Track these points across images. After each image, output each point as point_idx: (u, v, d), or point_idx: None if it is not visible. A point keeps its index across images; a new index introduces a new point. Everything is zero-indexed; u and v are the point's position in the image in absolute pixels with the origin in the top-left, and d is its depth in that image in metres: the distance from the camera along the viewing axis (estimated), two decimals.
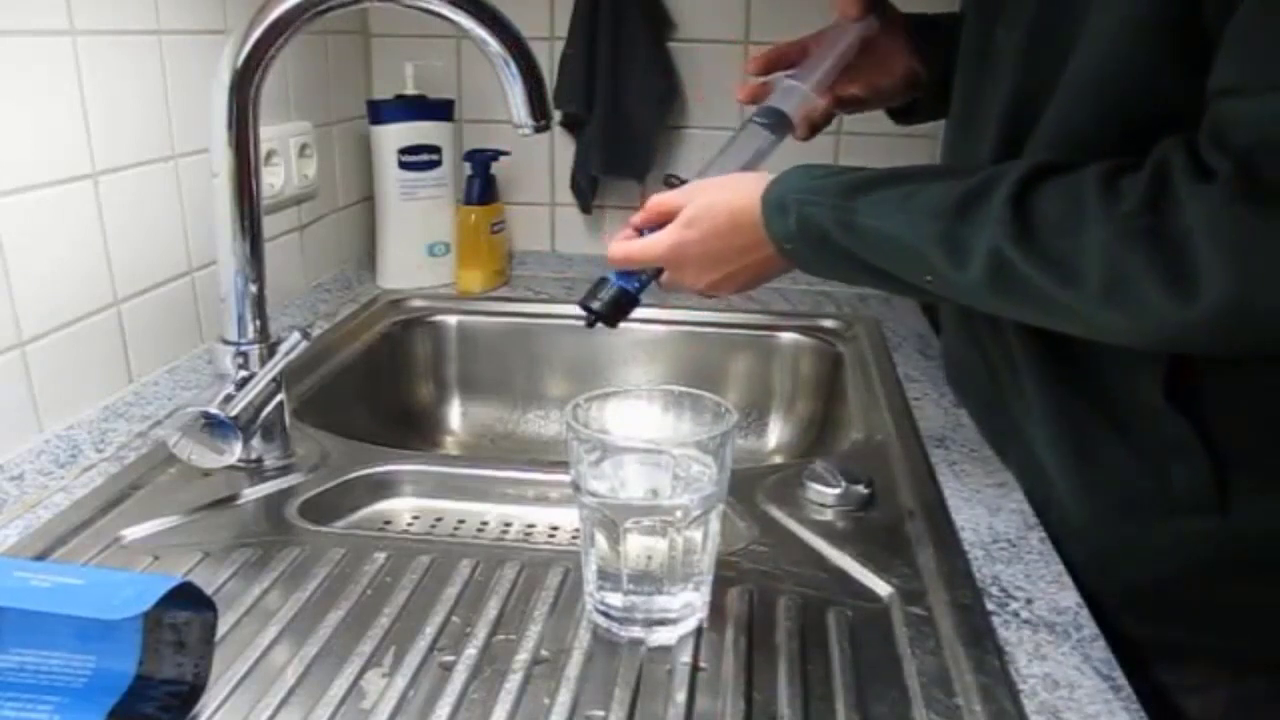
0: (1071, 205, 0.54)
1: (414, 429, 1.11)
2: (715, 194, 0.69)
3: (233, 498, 0.68)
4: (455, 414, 1.15)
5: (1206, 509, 0.59)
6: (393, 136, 1.15)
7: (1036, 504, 0.69)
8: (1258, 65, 0.50)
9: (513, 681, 0.50)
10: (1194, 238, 0.49)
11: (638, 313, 1.11)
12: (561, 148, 1.31)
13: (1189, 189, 0.50)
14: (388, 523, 0.74)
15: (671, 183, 0.74)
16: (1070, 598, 0.57)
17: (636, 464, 0.54)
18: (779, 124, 0.76)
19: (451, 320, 1.15)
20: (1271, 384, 0.58)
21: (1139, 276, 0.51)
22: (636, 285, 0.73)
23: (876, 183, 0.62)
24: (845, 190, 0.63)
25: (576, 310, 1.17)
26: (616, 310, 0.74)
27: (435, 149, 1.17)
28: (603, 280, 0.74)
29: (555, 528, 0.75)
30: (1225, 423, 0.59)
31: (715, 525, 0.54)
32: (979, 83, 0.69)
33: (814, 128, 0.81)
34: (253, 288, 0.70)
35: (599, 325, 0.75)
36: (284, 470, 0.72)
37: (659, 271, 0.73)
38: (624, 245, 0.72)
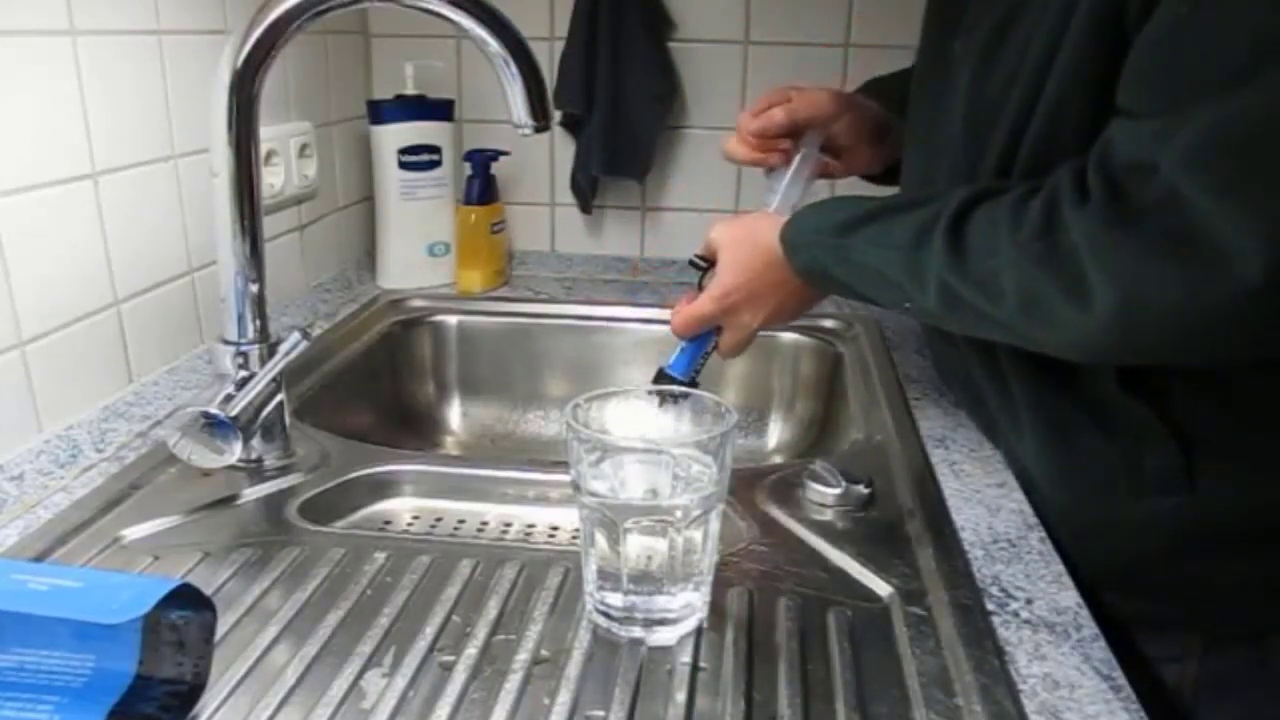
0: (990, 233, 0.60)
1: (414, 429, 1.11)
2: (742, 243, 0.78)
3: (233, 498, 0.68)
4: (455, 414, 1.15)
5: (1175, 489, 0.63)
6: (393, 136, 1.15)
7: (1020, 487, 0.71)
8: (1147, 92, 0.53)
9: (513, 681, 0.50)
10: (1079, 257, 0.54)
11: (638, 313, 1.13)
12: (561, 148, 1.31)
13: (1071, 212, 0.55)
14: (388, 523, 0.74)
15: (696, 263, 0.82)
16: (1070, 598, 0.57)
17: (636, 464, 0.54)
18: None
19: (451, 320, 1.15)
20: (1226, 370, 0.61)
21: (1046, 294, 0.56)
22: (694, 373, 0.83)
23: (863, 219, 0.69)
24: (839, 229, 0.70)
25: (576, 310, 1.18)
26: None
27: (435, 149, 1.17)
28: (660, 373, 0.83)
29: (555, 528, 0.75)
30: (1186, 407, 0.62)
31: (715, 525, 0.54)
32: (938, 100, 0.72)
33: None
34: (253, 288, 0.70)
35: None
36: (284, 470, 0.72)
37: (714, 346, 0.82)
38: (681, 313, 0.81)
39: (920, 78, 0.77)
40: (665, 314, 1.11)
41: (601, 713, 0.48)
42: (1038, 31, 0.60)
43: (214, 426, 0.65)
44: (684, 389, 0.60)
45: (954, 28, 0.70)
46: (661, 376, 0.83)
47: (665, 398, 0.57)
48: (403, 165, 1.16)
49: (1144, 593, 0.66)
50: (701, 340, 0.82)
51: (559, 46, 1.24)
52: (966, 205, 0.61)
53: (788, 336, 1.09)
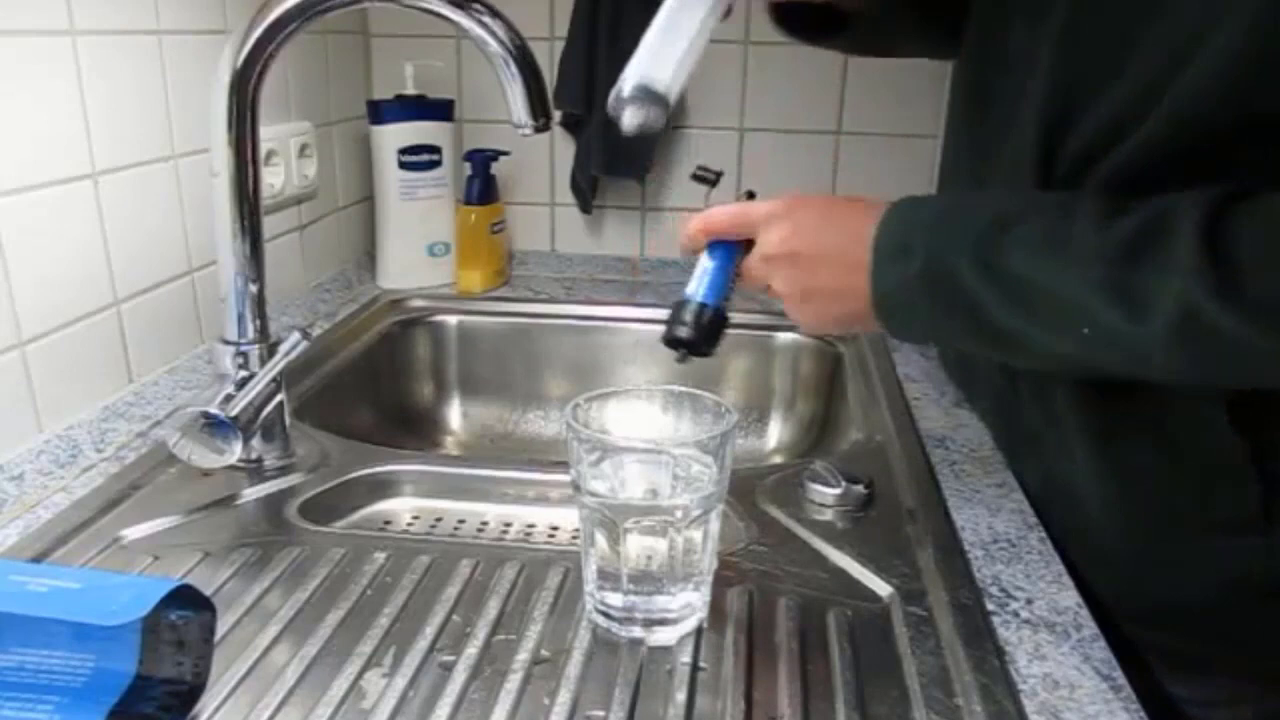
0: (1276, 243, 0.47)
1: (414, 429, 1.11)
2: (823, 225, 0.61)
3: (233, 498, 0.68)
4: (455, 414, 1.15)
5: (1250, 530, 0.57)
6: (393, 136, 1.15)
7: (1058, 514, 0.66)
8: None
9: (513, 681, 0.50)
10: None
11: (638, 312, 1.08)
12: (561, 148, 1.31)
13: None
14: (388, 523, 0.74)
15: (702, 175, 0.67)
16: (1070, 598, 0.57)
17: (636, 464, 0.54)
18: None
19: (451, 320, 1.15)
20: None
21: None
22: (724, 298, 0.62)
23: (1015, 219, 0.54)
24: (986, 228, 0.54)
25: (576, 310, 1.17)
26: (710, 334, 0.62)
27: (435, 149, 1.17)
28: (683, 303, 0.62)
29: (555, 528, 0.75)
30: (1270, 442, 0.56)
31: (715, 525, 0.54)
32: (994, 81, 0.65)
33: None
34: (253, 288, 0.70)
35: (685, 354, 0.64)
36: (284, 470, 0.72)
37: (735, 275, 0.63)
38: (722, 210, 0.62)
39: (969, 60, 0.70)
40: (666, 314, 1.11)
41: (601, 713, 0.48)
42: (1153, 31, 0.51)
43: (214, 426, 0.65)
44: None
45: (1012, 10, 0.63)
46: (683, 307, 0.63)
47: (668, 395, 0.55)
48: (403, 165, 1.16)
49: (1197, 634, 0.61)
50: (725, 256, 0.62)
51: (559, 46, 1.24)
52: (1218, 210, 0.48)
53: (788, 336, 1.09)
